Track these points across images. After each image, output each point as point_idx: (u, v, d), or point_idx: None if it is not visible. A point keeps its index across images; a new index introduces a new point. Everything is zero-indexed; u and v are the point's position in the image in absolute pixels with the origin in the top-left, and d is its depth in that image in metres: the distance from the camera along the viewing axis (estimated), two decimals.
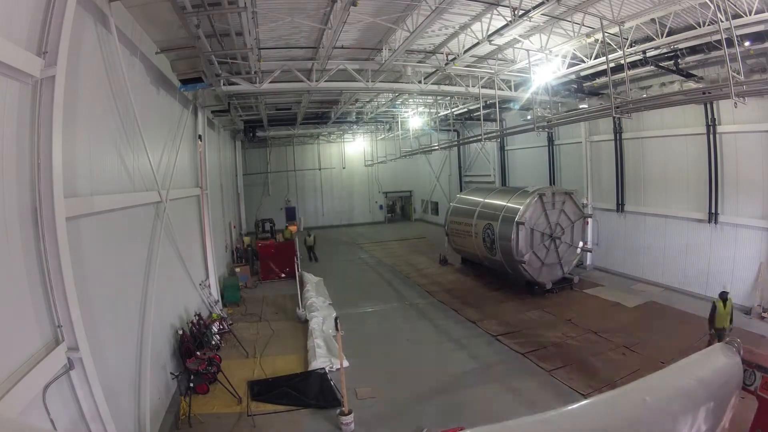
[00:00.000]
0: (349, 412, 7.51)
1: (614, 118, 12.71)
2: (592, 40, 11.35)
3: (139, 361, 7.03)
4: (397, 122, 24.73)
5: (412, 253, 22.70)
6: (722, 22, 8.41)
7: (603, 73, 12.23)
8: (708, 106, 12.46)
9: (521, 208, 14.00)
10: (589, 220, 15.71)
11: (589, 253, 16.36)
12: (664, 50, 11.30)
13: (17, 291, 4.02)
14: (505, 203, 15.05)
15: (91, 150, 5.94)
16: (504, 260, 14.65)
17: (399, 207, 37.19)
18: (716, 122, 12.43)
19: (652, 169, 14.89)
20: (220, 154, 19.53)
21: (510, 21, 8.90)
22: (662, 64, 11.55)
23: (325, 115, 23.43)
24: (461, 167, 29.13)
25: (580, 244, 15.04)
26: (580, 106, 15.44)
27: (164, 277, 8.58)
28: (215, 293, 13.34)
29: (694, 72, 11.88)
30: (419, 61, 13.32)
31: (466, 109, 20.22)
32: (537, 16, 8.91)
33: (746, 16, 9.11)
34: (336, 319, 8.31)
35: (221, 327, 11.55)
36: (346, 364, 9.21)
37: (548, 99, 14.36)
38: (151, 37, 8.61)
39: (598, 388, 8.32)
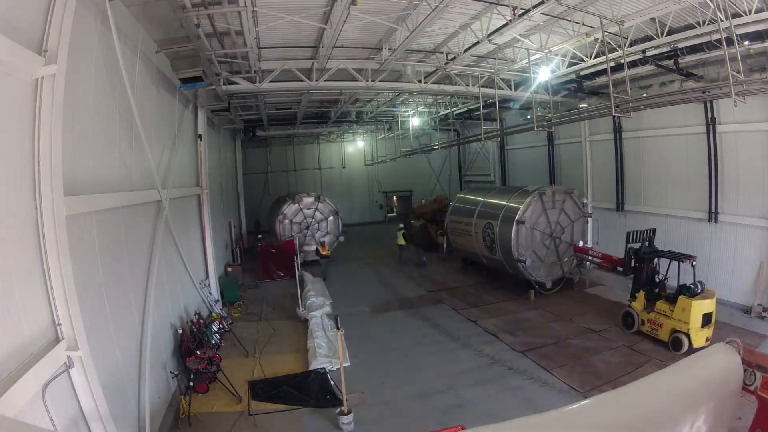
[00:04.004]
0: (349, 412, 7.52)
1: (614, 117, 12.68)
2: (592, 39, 11.33)
3: (139, 359, 7.03)
4: (397, 122, 24.70)
5: (412, 252, 22.66)
6: (722, 21, 8.41)
7: (603, 72, 12.22)
8: (708, 105, 12.45)
9: (521, 207, 14.00)
10: (589, 219, 15.67)
11: None
12: (664, 49, 11.29)
13: (16, 289, 4.02)
14: (505, 203, 15.05)
15: (90, 148, 5.94)
16: (504, 259, 14.65)
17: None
18: (716, 121, 12.42)
19: (652, 168, 14.89)
20: (220, 154, 19.53)
21: (510, 20, 8.88)
22: (662, 63, 11.55)
23: (325, 115, 23.38)
24: (461, 167, 29.13)
25: (580, 243, 15.04)
26: (580, 106, 15.44)
27: (164, 275, 8.59)
28: (215, 292, 13.34)
29: (694, 71, 11.88)
30: (419, 61, 13.31)
31: (466, 109, 20.21)
32: (537, 16, 8.90)
33: (746, 15, 9.10)
34: (336, 319, 8.31)
35: (221, 326, 11.55)
36: (346, 363, 9.21)
37: (548, 98, 14.34)
38: (151, 35, 8.60)
39: (598, 386, 8.33)
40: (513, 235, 13.85)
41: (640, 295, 10.60)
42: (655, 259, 10.69)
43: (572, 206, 14.83)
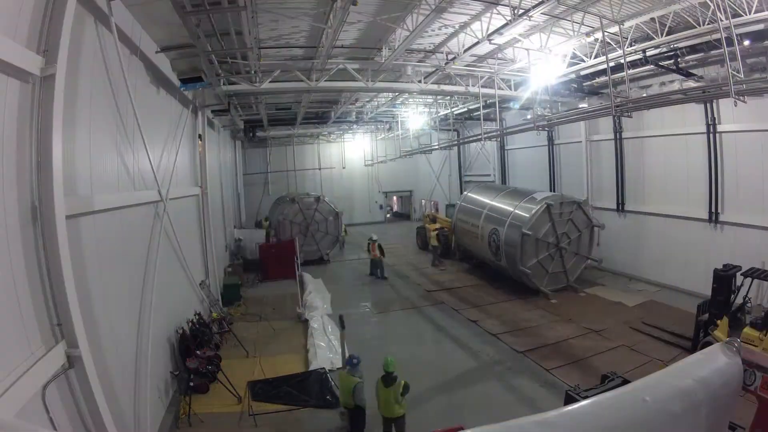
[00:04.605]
0: None
1: (614, 117, 12.69)
2: (591, 39, 11.34)
3: (139, 359, 7.03)
4: (397, 122, 24.71)
5: (412, 252, 22.72)
6: (722, 21, 8.42)
7: (603, 72, 12.23)
8: (708, 105, 12.45)
9: (528, 216, 13.80)
10: (597, 228, 14.97)
11: None
12: (664, 49, 11.30)
13: (16, 289, 4.02)
14: (512, 209, 14.86)
15: (90, 148, 5.93)
16: (508, 266, 14.61)
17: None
18: (716, 121, 12.41)
19: (653, 168, 14.88)
20: (220, 154, 19.53)
21: (510, 20, 8.89)
22: (662, 63, 11.56)
23: (325, 115, 23.43)
24: (461, 167, 29.15)
25: (587, 261, 14.84)
26: (580, 106, 15.44)
27: (164, 275, 8.58)
28: (215, 292, 13.34)
29: (693, 71, 11.88)
30: (419, 61, 13.32)
31: (465, 109, 20.21)
32: (537, 16, 8.90)
33: (746, 15, 9.10)
34: (340, 318, 8.26)
35: (221, 326, 11.55)
36: None
37: (548, 98, 14.34)
38: (151, 36, 8.61)
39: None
40: (518, 244, 13.62)
41: (723, 322, 8.78)
42: (738, 279, 9.08)
43: (581, 216, 14.50)
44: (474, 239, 16.96)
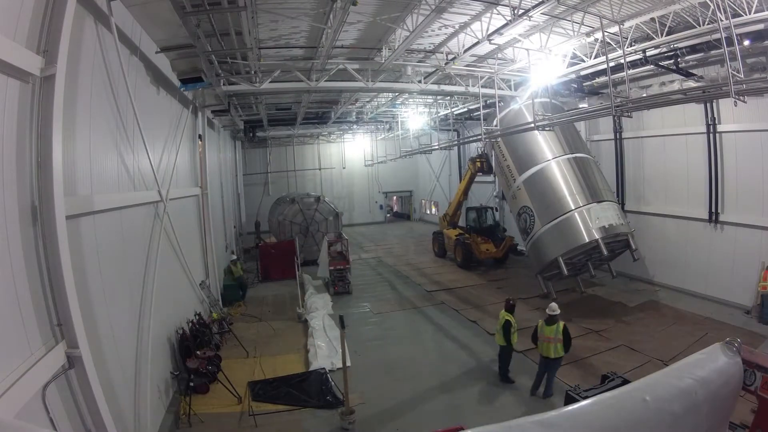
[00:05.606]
0: (352, 412, 7.51)
1: (614, 117, 12.64)
2: (591, 39, 11.35)
3: (139, 359, 7.03)
4: (397, 122, 24.73)
5: (412, 252, 22.73)
6: (722, 21, 8.41)
7: (603, 72, 12.23)
8: (708, 105, 12.44)
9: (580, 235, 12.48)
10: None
11: None
12: (664, 49, 11.31)
13: (16, 289, 4.02)
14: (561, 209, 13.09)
15: (90, 148, 5.93)
16: (529, 254, 14.46)
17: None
18: (716, 121, 12.41)
19: (653, 168, 14.88)
20: (220, 154, 19.53)
21: (510, 20, 8.90)
22: (662, 63, 11.56)
23: (325, 115, 23.45)
24: (461, 167, 29.08)
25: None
26: (580, 106, 15.43)
27: (164, 276, 8.59)
28: (215, 293, 13.35)
29: (694, 71, 11.88)
30: (419, 61, 13.32)
31: (466, 109, 20.23)
32: (537, 16, 8.90)
33: (746, 14, 9.10)
34: (341, 318, 8.24)
35: (221, 326, 11.55)
36: (348, 363, 9.21)
37: (548, 99, 14.31)
38: (151, 36, 8.61)
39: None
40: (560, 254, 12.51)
41: None
42: None
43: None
44: (509, 193, 15.14)
